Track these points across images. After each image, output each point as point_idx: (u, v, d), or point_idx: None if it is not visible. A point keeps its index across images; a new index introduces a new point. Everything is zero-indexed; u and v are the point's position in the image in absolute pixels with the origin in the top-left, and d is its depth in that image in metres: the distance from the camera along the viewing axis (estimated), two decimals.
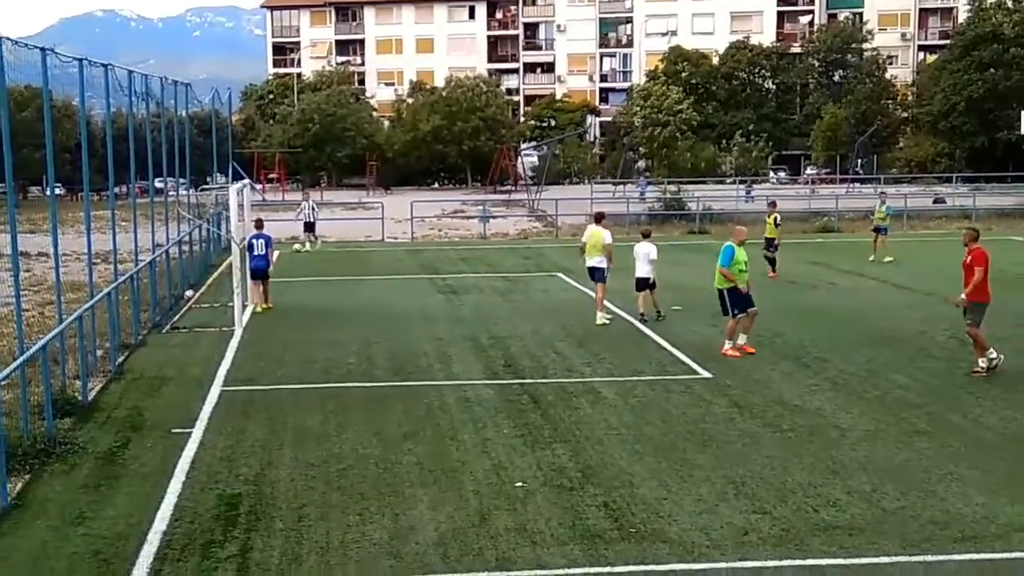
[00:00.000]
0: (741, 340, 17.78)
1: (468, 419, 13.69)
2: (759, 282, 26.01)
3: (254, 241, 22.84)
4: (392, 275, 29.47)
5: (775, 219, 28.12)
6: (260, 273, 22.87)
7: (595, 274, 21.06)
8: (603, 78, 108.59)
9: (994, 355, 16.20)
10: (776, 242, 27.91)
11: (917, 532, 9.57)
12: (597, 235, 20.99)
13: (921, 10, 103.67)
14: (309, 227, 37.24)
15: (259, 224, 23.49)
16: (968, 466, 11.46)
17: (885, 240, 32.37)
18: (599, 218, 21.84)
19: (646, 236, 21.89)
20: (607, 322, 20.71)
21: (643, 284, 21.23)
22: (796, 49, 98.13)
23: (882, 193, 36.89)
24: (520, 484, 11.00)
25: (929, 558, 9.01)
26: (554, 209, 45.80)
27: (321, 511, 10.25)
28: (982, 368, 16.08)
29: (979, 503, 10.27)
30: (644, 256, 21.25)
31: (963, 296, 16.40)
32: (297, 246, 36.02)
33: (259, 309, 22.60)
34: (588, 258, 21.09)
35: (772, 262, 27.66)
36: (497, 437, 12.81)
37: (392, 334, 19.89)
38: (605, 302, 21.14)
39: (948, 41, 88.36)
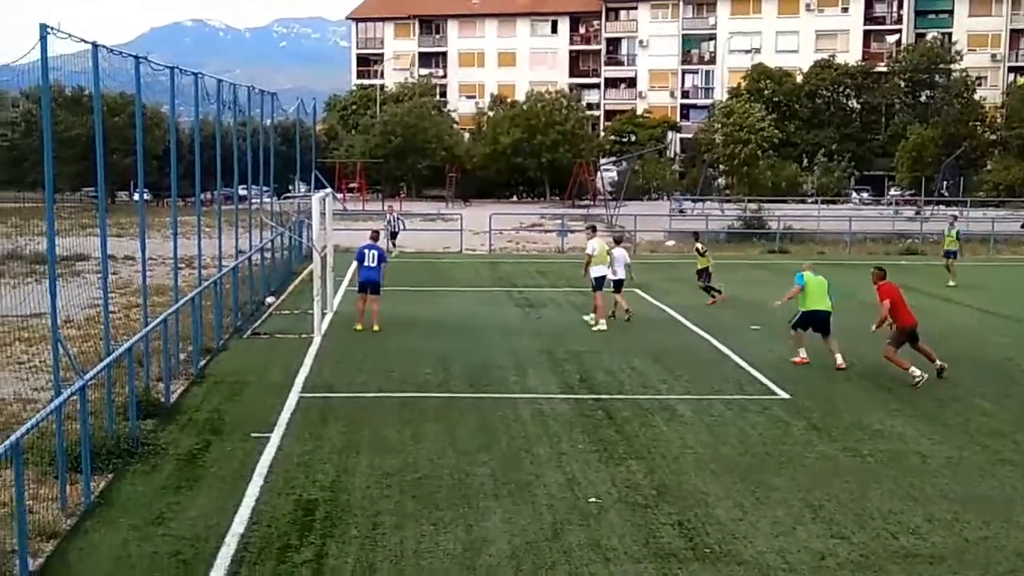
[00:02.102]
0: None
1: (543, 433, 13.68)
2: (837, 304, 25.57)
3: (365, 251, 21.98)
4: (469, 287, 29.57)
5: (698, 249, 26.96)
6: (369, 285, 21.68)
7: (600, 283, 22.44)
8: (684, 94, 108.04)
9: (917, 373, 16.71)
10: (708, 270, 26.61)
11: (1001, 563, 9.36)
12: (600, 245, 22.72)
13: (1012, 31, 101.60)
14: (393, 236, 37.87)
15: (374, 236, 22.89)
16: None
17: (953, 263, 31.73)
18: (595, 229, 23.67)
19: (619, 242, 24.28)
20: (603, 328, 21.85)
21: (619, 285, 23.21)
22: (882, 68, 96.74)
23: (952, 216, 36.12)
24: (594, 499, 10.97)
25: None
26: (632, 225, 45.64)
27: (396, 519, 10.31)
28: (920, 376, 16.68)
29: None
30: (620, 260, 23.37)
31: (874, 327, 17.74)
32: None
33: (359, 327, 21.34)
34: (596, 268, 22.42)
35: (708, 290, 26.28)
36: (571, 451, 12.79)
37: (469, 345, 19.96)
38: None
39: None
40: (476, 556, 9.41)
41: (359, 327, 21.37)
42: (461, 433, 13.56)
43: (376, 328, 21.29)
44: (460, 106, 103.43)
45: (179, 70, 17.48)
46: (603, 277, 22.56)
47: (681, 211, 58.82)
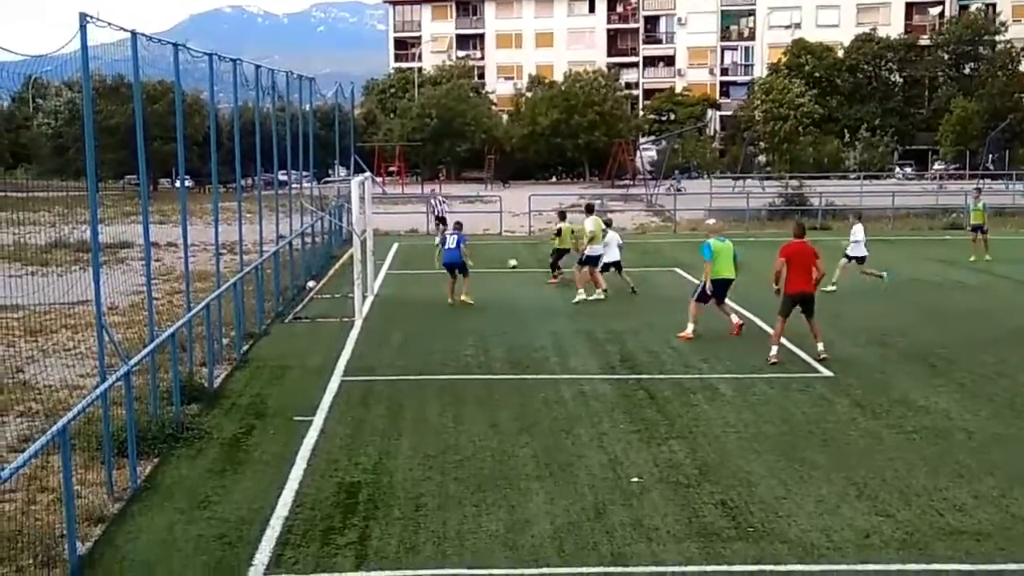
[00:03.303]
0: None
1: (584, 413, 13.68)
2: (876, 280, 25.36)
3: (447, 236, 23.46)
4: (509, 269, 29.54)
5: (572, 232, 25.86)
6: (454, 266, 22.81)
7: (589, 260, 23.28)
8: (724, 71, 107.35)
9: (773, 352, 16.62)
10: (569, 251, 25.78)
11: None
12: (597, 224, 23.58)
13: None
14: (441, 221, 37.86)
15: (458, 225, 23.91)
16: None
17: (986, 238, 30.78)
18: (589, 209, 24.51)
19: (608, 225, 24.48)
20: (600, 296, 23.09)
21: (608, 267, 23.79)
22: (925, 41, 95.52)
23: (976, 189, 35.40)
24: (636, 479, 10.95)
25: None
26: (672, 204, 45.41)
27: (438, 501, 10.35)
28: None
29: None
30: (613, 243, 23.99)
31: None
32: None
33: (450, 301, 22.64)
34: (592, 246, 23.24)
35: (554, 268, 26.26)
36: (613, 432, 12.78)
37: (509, 327, 19.98)
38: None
39: None
40: (519, 536, 9.43)
41: (449, 301, 22.70)
42: (502, 415, 13.58)
43: (468, 301, 22.65)
44: (498, 88, 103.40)
45: (218, 56, 17.55)
46: (598, 256, 23.32)
47: (678, 190, 58.38)
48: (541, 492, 10.59)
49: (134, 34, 12.46)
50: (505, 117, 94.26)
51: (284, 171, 26.76)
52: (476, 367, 16.63)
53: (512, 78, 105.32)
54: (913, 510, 10.00)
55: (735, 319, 18.99)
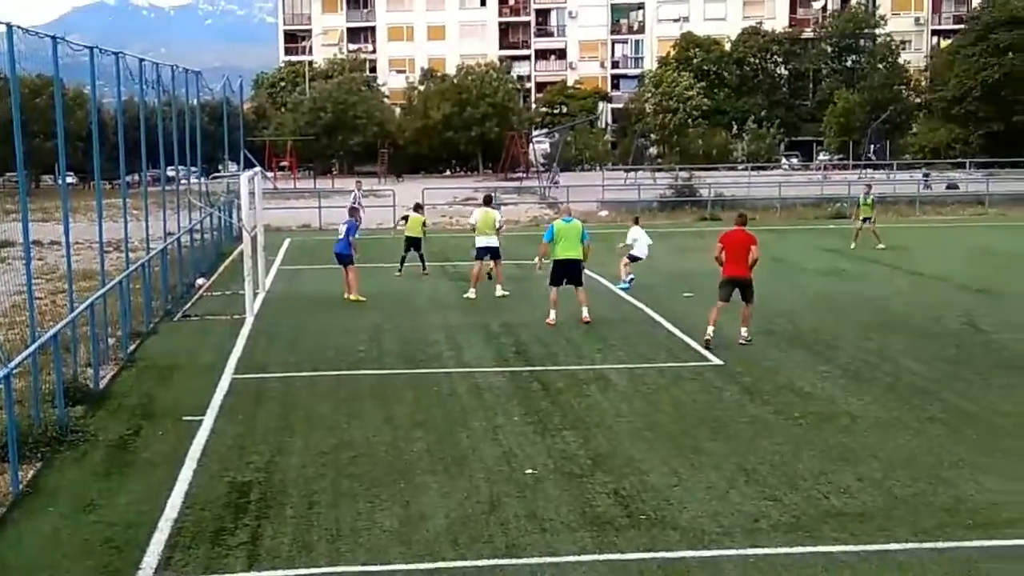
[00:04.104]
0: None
1: (478, 406, 13.69)
2: (767, 268, 25.92)
3: (340, 227, 23.23)
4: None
5: (423, 222, 26.68)
6: (339, 259, 22.82)
7: (488, 253, 23.01)
8: (615, 64, 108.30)
9: (709, 332, 17.07)
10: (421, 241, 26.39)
11: (928, 519, 9.54)
12: (488, 216, 23.12)
13: None
14: (353, 212, 37.41)
15: (351, 212, 23.95)
16: (980, 453, 11.42)
17: (874, 228, 31.55)
18: (488, 201, 24.24)
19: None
20: (507, 293, 22.60)
21: (495, 253, 23.40)
22: (809, 34, 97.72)
23: (867, 185, 36.43)
24: (530, 471, 11.00)
25: (940, 545, 8.98)
26: (565, 196, 45.70)
27: (331, 498, 10.26)
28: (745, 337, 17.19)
29: (991, 490, 10.24)
30: (644, 239, 24.19)
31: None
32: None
33: (348, 297, 22.38)
34: (481, 237, 22.98)
35: (422, 259, 26.44)
36: (507, 424, 12.81)
37: (403, 322, 19.90)
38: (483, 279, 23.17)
39: (962, 26, 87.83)
40: (413, 531, 9.40)
41: (348, 297, 22.53)
42: (396, 410, 13.53)
43: (354, 296, 22.43)
44: (390, 81, 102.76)
45: (99, 50, 17.12)
46: (488, 248, 23.07)
47: (555, 183, 58.87)
48: (435, 486, 10.57)
49: (9, 27, 12.07)
50: (398, 111, 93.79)
51: (172, 167, 26.27)
52: (370, 362, 16.53)
53: (404, 71, 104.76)
54: (800, 494, 10.22)
55: (585, 314, 19.19)
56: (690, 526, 9.46)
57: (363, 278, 23.10)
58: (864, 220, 31.80)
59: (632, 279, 23.85)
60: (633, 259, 24.21)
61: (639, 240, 24.26)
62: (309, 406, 13.78)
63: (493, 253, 23.14)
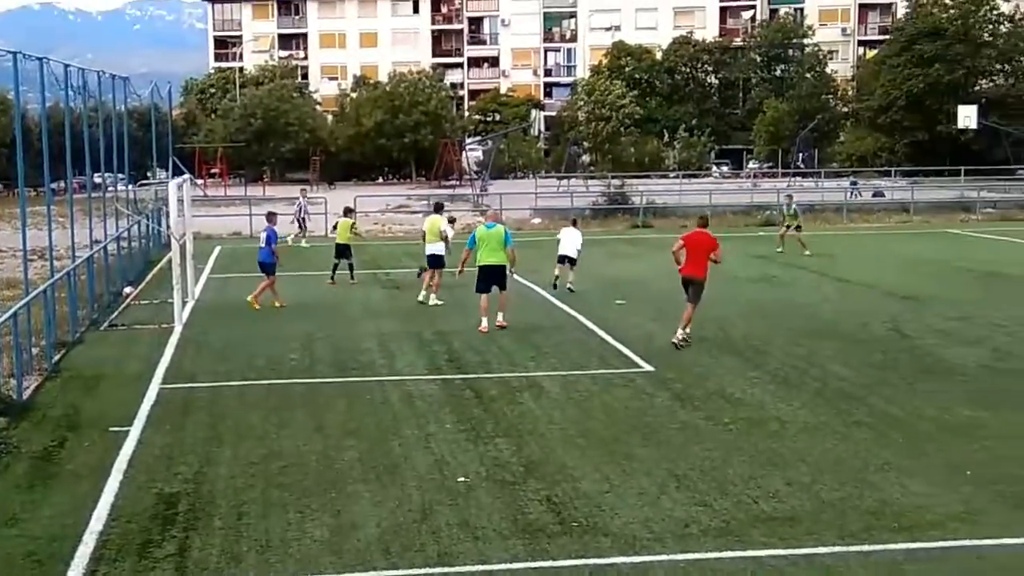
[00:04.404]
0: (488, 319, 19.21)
1: (411, 414, 13.63)
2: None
3: (261, 234, 22.95)
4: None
5: (351, 225, 26.80)
6: (262, 268, 22.56)
7: (433, 260, 22.72)
8: (547, 72, 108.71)
9: (679, 335, 17.52)
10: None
11: (855, 522, 9.66)
12: (435, 223, 23.17)
13: (860, 5, 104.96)
14: (301, 224, 37.24)
15: (268, 217, 23.61)
16: (905, 457, 11.60)
17: (799, 236, 31.92)
18: (438, 208, 24.41)
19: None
20: (440, 303, 22.28)
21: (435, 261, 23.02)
22: (738, 44, 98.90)
23: (788, 196, 37.02)
24: (462, 479, 10.97)
25: (867, 548, 9.10)
26: (499, 203, 45.69)
27: (261, 509, 10.15)
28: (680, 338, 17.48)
29: (915, 492, 10.40)
30: (572, 238, 24.28)
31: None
32: (304, 243, 35.80)
33: (277, 304, 22.24)
34: (428, 245, 22.93)
35: (351, 267, 26.08)
36: (440, 432, 12.77)
37: (335, 330, 19.77)
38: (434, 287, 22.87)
39: (888, 36, 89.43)
40: (344, 541, 9.32)
41: (276, 304, 22.35)
42: (328, 418, 13.42)
43: (250, 299, 22.26)
44: (322, 88, 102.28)
45: (23, 55, 16.82)
46: (433, 255, 22.83)
47: (484, 190, 59.09)
48: (367, 495, 10.50)
49: None
50: (330, 118, 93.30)
51: (98, 174, 25.89)
52: (301, 371, 16.39)
53: (336, 78, 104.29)
54: (730, 499, 10.30)
55: (500, 319, 19.29)
56: (621, 532, 9.49)
57: (296, 287, 22.92)
58: (788, 228, 32.30)
59: (557, 281, 24.03)
60: (562, 259, 24.30)
61: (563, 240, 24.49)
62: (238, 416, 13.62)
63: (432, 261, 22.91)
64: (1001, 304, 22.07)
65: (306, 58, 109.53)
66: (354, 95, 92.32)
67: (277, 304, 22.21)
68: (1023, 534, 9.35)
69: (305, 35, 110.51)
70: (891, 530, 9.48)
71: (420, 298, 22.60)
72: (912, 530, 9.47)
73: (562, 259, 24.33)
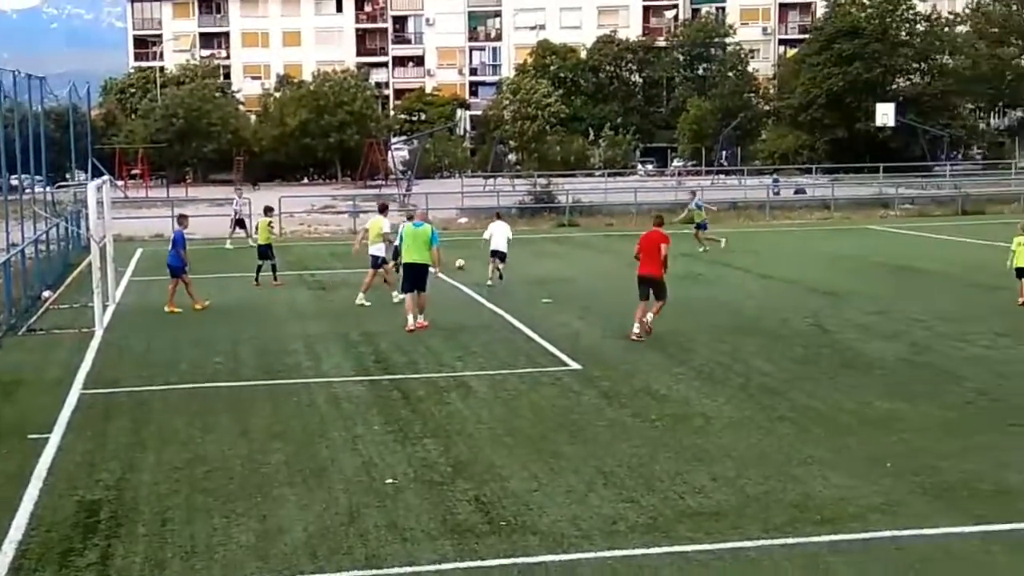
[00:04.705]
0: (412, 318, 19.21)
1: (338, 416, 13.55)
2: (623, 274, 26.39)
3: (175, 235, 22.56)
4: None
5: (268, 224, 26.63)
6: (171, 271, 22.21)
7: (373, 262, 22.70)
8: (473, 72, 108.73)
9: (636, 331, 17.99)
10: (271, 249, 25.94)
11: (779, 516, 9.80)
12: (377, 224, 23.01)
13: (781, 5, 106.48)
14: (240, 223, 36.74)
15: (179, 219, 23.17)
16: (827, 450, 11.79)
17: (702, 233, 32.51)
18: (382, 209, 24.11)
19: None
20: (367, 304, 22.10)
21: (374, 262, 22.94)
22: (662, 43, 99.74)
23: (691, 193, 37.37)
24: (390, 480, 10.93)
25: (790, 540, 9.23)
26: (425, 203, 45.57)
27: (185, 514, 10.02)
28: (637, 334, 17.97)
29: (837, 485, 10.58)
30: (503, 233, 24.96)
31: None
32: (229, 244, 35.30)
33: (196, 306, 21.93)
34: (370, 246, 22.81)
35: (273, 268, 25.86)
36: (367, 434, 12.71)
37: (260, 332, 19.59)
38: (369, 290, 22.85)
39: (807, 36, 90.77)
40: (271, 545, 9.24)
41: (196, 307, 22.04)
42: (253, 422, 13.29)
43: (175, 310, 21.86)
44: (245, 88, 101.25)
45: None
46: (375, 256, 22.79)
47: (408, 192, 58.93)
48: (293, 499, 10.42)
49: None
50: (253, 118, 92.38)
51: (15, 176, 25.38)
52: (226, 374, 16.21)
53: (260, 78, 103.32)
54: (656, 495, 10.39)
55: (420, 320, 19.29)
56: (550, 530, 9.52)
57: (221, 289, 22.66)
58: (699, 227, 32.65)
59: (491, 282, 24.19)
60: (494, 254, 24.65)
61: (494, 235, 24.92)
62: (162, 421, 13.44)
63: (373, 262, 22.84)
64: (918, 299, 22.52)
65: (228, 57, 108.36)
66: (278, 94, 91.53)
67: (197, 307, 21.95)
68: (941, 524, 9.56)
69: (227, 34, 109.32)
70: (814, 523, 9.63)
71: (395, 300, 21.90)
72: (834, 522, 9.63)
73: (494, 254, 24.79)
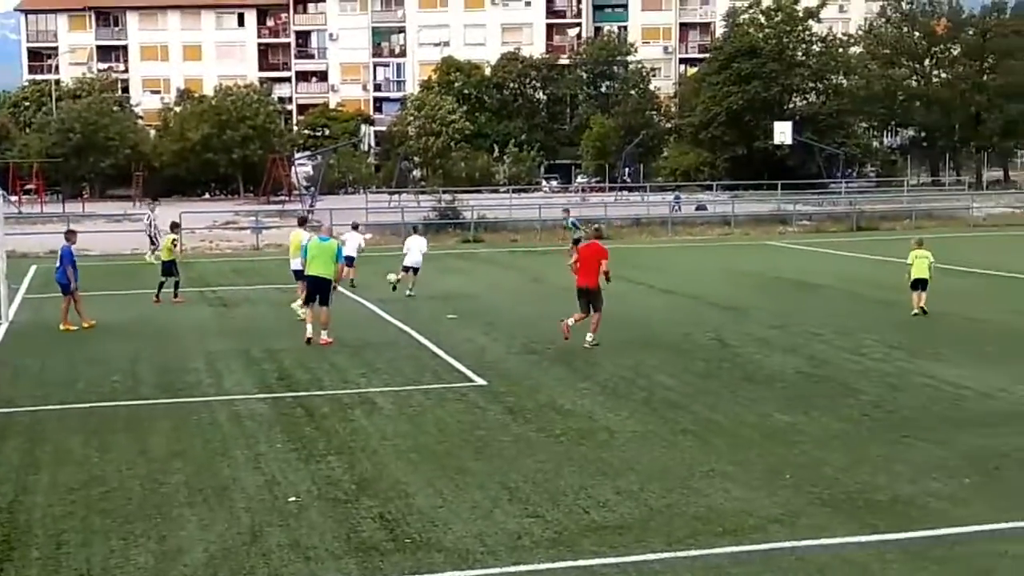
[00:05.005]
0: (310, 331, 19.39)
1: (240, 434, 13.36)
2: (528, 289, 26.66)
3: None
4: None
5: (172, 241, 26.21)
6: (61, 288, 21.84)
7: (298, 275, 22.07)
8: (377, 87, 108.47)
9: (569, 321, 18.90)
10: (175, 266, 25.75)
11: (682, 528, 9.90)
12: (296, 237, 22.88)
13: (681, 25, 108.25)
14: (152, 239, 36.02)
15: (67, 235, 22.61)
16: (728, 462, 11.95)
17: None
18: (302, 222, 24.29)
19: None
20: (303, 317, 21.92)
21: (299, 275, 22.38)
22: (565, 61, 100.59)
23: (565, 210, 37.66)
24: (294, 499, 10.81)
25: (693, 553, 9.33)
26: (329, 219, 45.25)
27: (82, 536, 9.78)
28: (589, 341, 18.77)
29: (738, 497, 10.73)
30: (417, 247, 25.90)
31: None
32: (150, 258, 34.54)
33: (84, 325, 21.51)
34: (292, 260, 22.78)
35: (176, 285, 25.65)
36: (270, 452, 12.55)
37: (160, 350, 19.24)
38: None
39: (707, 55, 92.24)
40: (170, 567, 9.07)
41: (84, 325, 21.68)
42: (153, 441, 13.04)
43: (85, 324, 21.61)
44: (144, 102, 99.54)
45: None
46: (297, 271, 22.30)
47: (311, 208, 58.59)
48: (194, 519, 10.24)
49: None
50: (153, 132, 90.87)
51: None
52: (124, 393, 15.88)
53: (159, 92, 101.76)
54: (561, 509, 10.43)
55: (324, 337, 19.23)
56: (455, 547, 9.50)
57: (120, 306, 22.21)
58: (575, 242, 32.89)
59: (396, 286, 24.97)
60: (407, 268, 25.42)
61: (411, 249, 25.79)
62: (58, 441, 13.11)
63: (297, 275, 22.44)
64: (815, 312, 23.00)
65: (127, 71, 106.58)
66: (178, 109, 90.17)
67: (85, 325, 21.46)
68: (838, 534, 9.75)
69: (125, 47, 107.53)
70: (716, 534, 9.75)
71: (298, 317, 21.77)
72: (736, 534, 9.77)
73: (407, 268, 25.51)
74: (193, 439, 13.15)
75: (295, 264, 22.46)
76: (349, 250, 25.43)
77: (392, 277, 26.08)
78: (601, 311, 18.94)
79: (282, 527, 10.00)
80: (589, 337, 18.72)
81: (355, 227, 28.43)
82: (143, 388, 16.23)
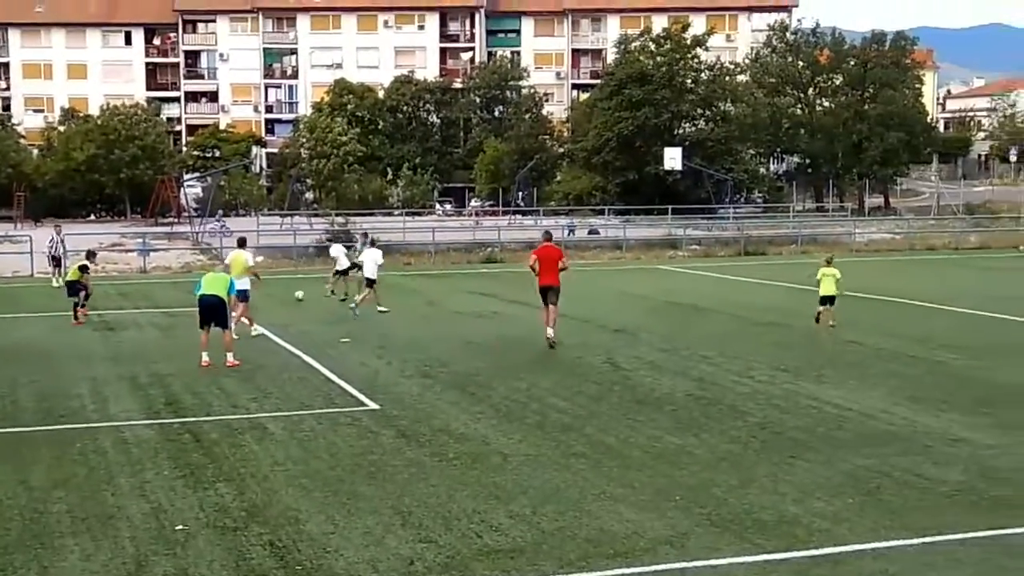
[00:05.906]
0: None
1: (125, 461, 13.07)
2: (422, 313, 26.66)
3: None
4: (42, 312, 27.75)
5: (80, 267, 26.19)
6: None
7: (241, 294, 22.45)
8: (268, 109, 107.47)
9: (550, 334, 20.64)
10: (87, 290, 26.00)
11: (574, 551, 9.96)
12: (239, 258, 23.07)
13: (574, 51, 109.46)
14: (56, 261, 34.89)
15: None
16: (619, 485, 12.06)
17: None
18: (241, 243, 24.34)
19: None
20: (261, 332, 22.94)
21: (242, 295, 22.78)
22: (459, 84, 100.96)
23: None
24: (181, 527, 10.60)
25: (585, 575, 9.39)
26: (219, 242, 44.66)
27: None
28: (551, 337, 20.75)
29: (629, 520, 10.83)
30: (372, 259, 26.74)
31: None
32: (55, 281, 33.39)
33: None
34: (236, 281, 22.00)
35: (75, 307, 25.67)
36: (156, 479, 12.30)
37: (41, 375, 18.71)
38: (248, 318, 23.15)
39: (599, 81, 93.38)
40: None
41: None
42: (33, 470, 12.67)
43: None
44: (27, 120, 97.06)
45: None
46: (241, 290, 22.25)
47: (222, 229, 57.94)
48: (77, 549, 9.97)
49: None
50: (36, 152, 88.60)
51: None
52: (2, 420, 15.41)
53: (43, 111, 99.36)
54: (454, 534, 10.41)
55: (230, 359, 19.30)
56: (347, 573, 9.41)
57: (5, 329, 21.54)
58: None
59: (346, 294, 26.02)
60: (370, 283, 26.34)
61: (367, 262, 26.66)
62: None
63: (242, 295, 22.47)
64: (704, 335, 23.37)
65: (8, 88, 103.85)
66: (62, 128, 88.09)
67: None
68: (727, 555, 9.89)
69: (7, 64, 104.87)
70: (607, 556, 9.83)
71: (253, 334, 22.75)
72: (627, 556, 9.85)
73: (370, 282, 26.49)
74: (76, 467, 12.82)
75: (240, 284, 22.22)
76: (368, 268, 26.73)
77: (300, 295, 26.07)
78: (558, 305, 21.09)
79: (168, 556, 9.80)
80: (550, 332, 20.85)
81: (373, 243, 28.74)
82: (23, 415, 15.77)
